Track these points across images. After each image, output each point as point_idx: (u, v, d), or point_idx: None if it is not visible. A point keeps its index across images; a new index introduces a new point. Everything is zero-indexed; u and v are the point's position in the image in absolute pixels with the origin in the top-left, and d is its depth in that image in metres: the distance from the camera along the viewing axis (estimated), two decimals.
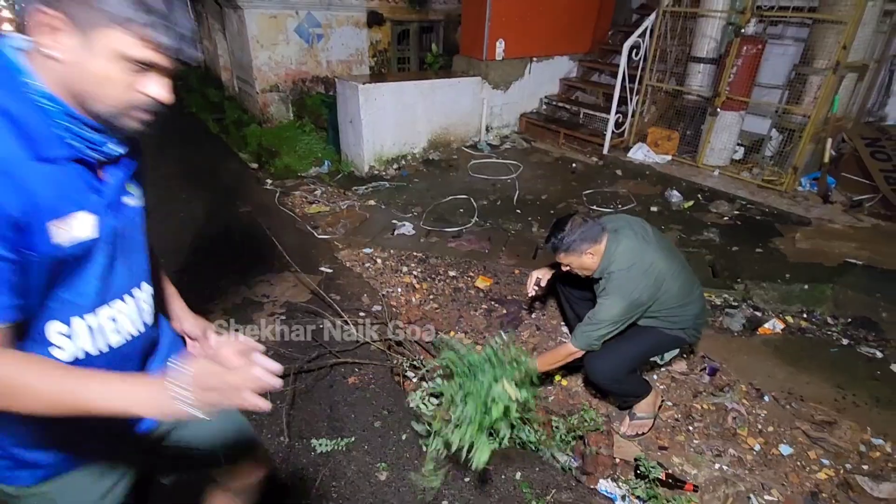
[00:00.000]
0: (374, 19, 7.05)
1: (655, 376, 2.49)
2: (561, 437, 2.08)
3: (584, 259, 1.92)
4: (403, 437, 2.03)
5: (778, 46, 5.00)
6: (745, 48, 4.47)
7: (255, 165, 5.42)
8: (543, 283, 2.37)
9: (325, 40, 6.76)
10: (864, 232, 3.83)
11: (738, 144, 5.05)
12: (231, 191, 4.64)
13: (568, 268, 2.01)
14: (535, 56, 6.06)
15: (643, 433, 2.17)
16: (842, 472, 2.00)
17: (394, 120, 5.09)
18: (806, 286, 3.14)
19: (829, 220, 4.01)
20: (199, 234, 3.76)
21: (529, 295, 2.42)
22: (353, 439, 2.00)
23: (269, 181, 4.89)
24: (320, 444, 1.95)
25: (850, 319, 2.91)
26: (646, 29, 5.13)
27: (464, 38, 5.97)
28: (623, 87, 5.26)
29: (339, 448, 1.95)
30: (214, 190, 4.61)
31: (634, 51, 5.17)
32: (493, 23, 5.39)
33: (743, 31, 4.47)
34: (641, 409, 2.18)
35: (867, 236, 3.75)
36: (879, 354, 2.65)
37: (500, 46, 5.57)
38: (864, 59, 4.40)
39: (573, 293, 2.40)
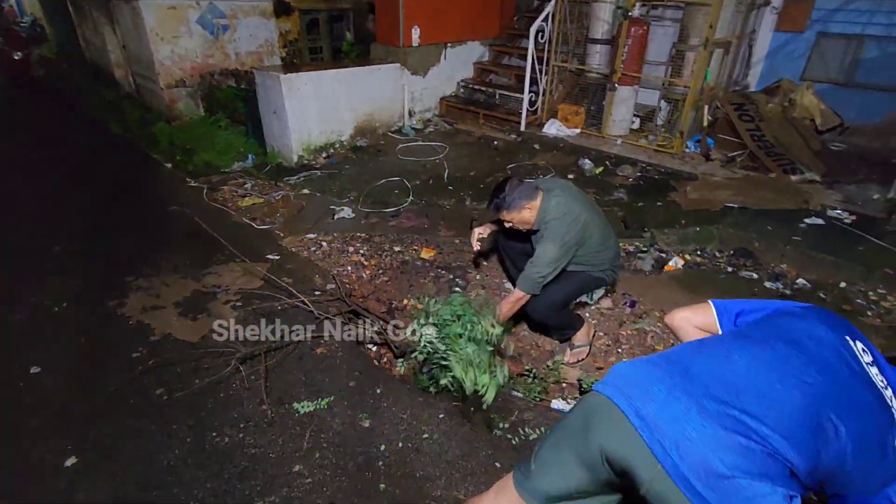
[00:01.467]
0: (281, 9, 6.89)
1: (588, 314, 2.87)
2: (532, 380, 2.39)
3: (524, 214, 2.22)
4: (378, 390, 2.22)
5: (660, 27, 5.64)
6: (632, 29, 5.04)
7: (169, 165, 5.17)
8: (486, 236, 2.65)
9: (231, 31, 6.50)
10: (737, 181, 4.56)
11: (635, 115, 5.68)
12: (153, 191, 4.44)
13: (510, 224, 2.30)
14: (449, 42, 6.32)
15: (582, 359, 2.54)
16: None
17: (318, 109, 5.10)
18: (697, 229, 3.73)
19: (711, 174, 4.71)
20: (127, 237, 3.60)
21: (475, 249, 2.69)
22: (332, 398, 2.15)
23: (189, 179, 4.72)
24: (302, 406, 2.08)
25: (732, 252, 3.52)
26: (548, 14, 5.57)
27: (380, 27, 6.07)
28: (533, 69, 5.67)
29: (321, 407, 2.10)
30: (135, 192, 4.38)
31: (540, 34, 5.60)
32: (406, 11, 5.55)
33: (630, 14, 5.04)
34: (578, 340, 2.54)
35: (740, 185, 4.47)
36: (755, 276, 3.26)
37: (415, 33, 5.76)
38: (728, 37, 5.15)
39: (513, 248, 2.69)
